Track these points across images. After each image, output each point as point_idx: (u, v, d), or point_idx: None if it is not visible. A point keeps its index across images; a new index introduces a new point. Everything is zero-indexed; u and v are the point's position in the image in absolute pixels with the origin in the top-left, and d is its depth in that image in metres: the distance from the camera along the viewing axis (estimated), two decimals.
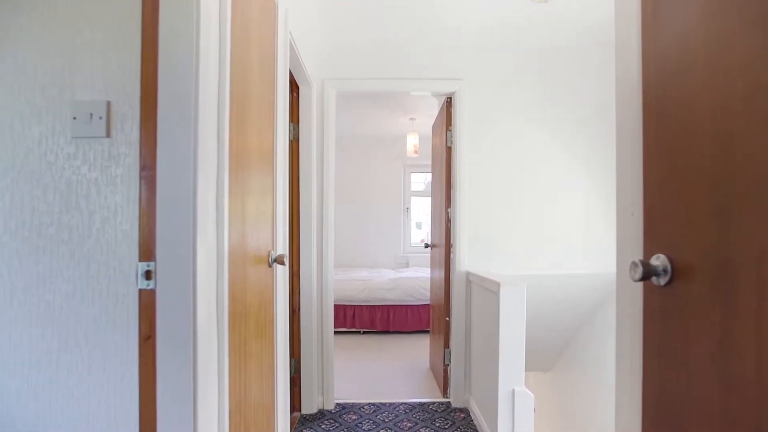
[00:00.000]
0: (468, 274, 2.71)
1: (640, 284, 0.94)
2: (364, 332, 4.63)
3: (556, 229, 2.83)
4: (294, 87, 2.61)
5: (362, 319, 4.58)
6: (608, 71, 2.83)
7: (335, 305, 4.50)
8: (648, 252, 0.92)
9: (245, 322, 1.32)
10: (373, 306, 4.59)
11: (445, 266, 2.89)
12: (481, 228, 2.79)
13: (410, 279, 4.71)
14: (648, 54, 0.92)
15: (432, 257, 3.50)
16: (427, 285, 4.52)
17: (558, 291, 2.90)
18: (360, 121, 5.21)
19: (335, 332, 4.57)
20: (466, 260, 2.75)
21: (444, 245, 2.92)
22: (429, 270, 4.11)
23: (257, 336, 1.47)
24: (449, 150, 2.86)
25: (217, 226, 1.06)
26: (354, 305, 4.59)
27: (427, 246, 3.64)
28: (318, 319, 2.71)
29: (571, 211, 2.84)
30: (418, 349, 4.05)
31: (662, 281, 0.84)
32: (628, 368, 0.99)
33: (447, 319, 2.86)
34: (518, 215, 2.81)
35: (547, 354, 3.55)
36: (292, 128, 2.60)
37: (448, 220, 2.86)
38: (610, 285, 2.98)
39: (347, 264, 5.90)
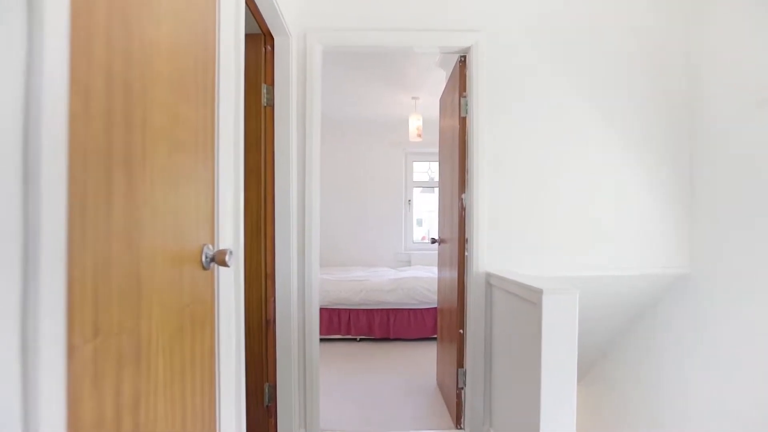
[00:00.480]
0: (488, 275, 2.15)
1: None
2: (361, 339, 4.08)
3: (597, 221, 2.27)
4: (267, 38, 2.05)
5: (358, 325, 4.03)
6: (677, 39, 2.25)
7: (327, 309, 3.96)
8: None
9: (140, 365, 0.77)
10: (371, 310, 4.04)
11: (459, 265, 2.33)
12: (501, 219, 2.23)
13: (413, 279, 4.15)
14: None
15: (440, 254, 2.95)
16: (433, 286, 3.96)
17: (598, 295, 2.34)
18: (355, 101, 4.64)
19: (327, 340, 4.03)
20: (485, 258, 2.20)
21: (457, 239, 2.37)
22: (435, 269, 3.56)
23: (178, 380, 0.93)
24: (463, 121, 2.30)
25: (25, 210, 0.51)
26: (349, 309, 4.03)
27: (433, 241, 3.08)
28: (299, 330, 2.16)
29: (613, 199, 2.27)
30: (422, 361, 3.50)
31: None
32: None
33: (460, 331, 2.31)
34: (547, 204, 2.25)
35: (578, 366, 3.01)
36: (265, 91, 2.04)
37: (462, 209, 2.31)
38: (659, 286, 2.42)
39: (342, 263, 5.34)
